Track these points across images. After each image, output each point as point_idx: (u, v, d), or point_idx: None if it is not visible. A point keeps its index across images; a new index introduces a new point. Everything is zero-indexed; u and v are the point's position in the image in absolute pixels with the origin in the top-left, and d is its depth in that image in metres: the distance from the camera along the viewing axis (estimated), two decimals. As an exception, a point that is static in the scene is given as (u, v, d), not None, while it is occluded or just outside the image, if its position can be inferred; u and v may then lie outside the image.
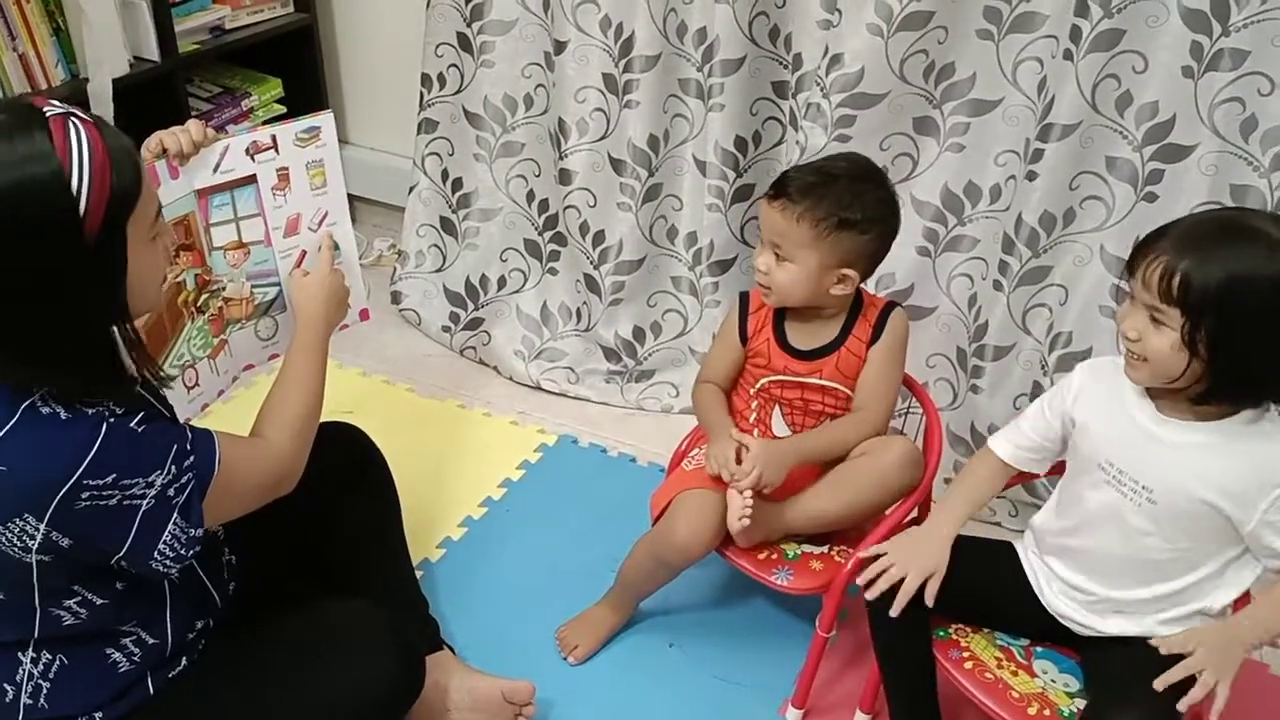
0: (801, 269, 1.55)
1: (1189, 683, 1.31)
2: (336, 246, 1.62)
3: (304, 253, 1.59)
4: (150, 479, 1.14)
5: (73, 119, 1.07)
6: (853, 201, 1.52)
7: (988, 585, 1.46)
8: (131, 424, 1.14)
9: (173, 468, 1.16)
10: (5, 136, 1.03)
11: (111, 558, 1.16)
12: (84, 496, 1.10)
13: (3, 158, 1.02)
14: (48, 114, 1.06)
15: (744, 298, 1.71)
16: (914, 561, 1.41)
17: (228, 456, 1.24)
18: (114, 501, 1.12)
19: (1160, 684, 1.26)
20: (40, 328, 1.09)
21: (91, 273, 1.09)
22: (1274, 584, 1.32)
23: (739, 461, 1.57)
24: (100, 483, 1.10)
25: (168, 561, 1.19)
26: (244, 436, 1.36)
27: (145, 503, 1.14)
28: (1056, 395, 1.44)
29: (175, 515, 1.18)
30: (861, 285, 1.64)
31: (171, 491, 1.17)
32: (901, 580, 1.41)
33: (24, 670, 1.24)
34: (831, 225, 1.52)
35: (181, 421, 1.38)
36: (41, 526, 1.10)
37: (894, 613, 1.40)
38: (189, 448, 1.19)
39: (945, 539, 1.44)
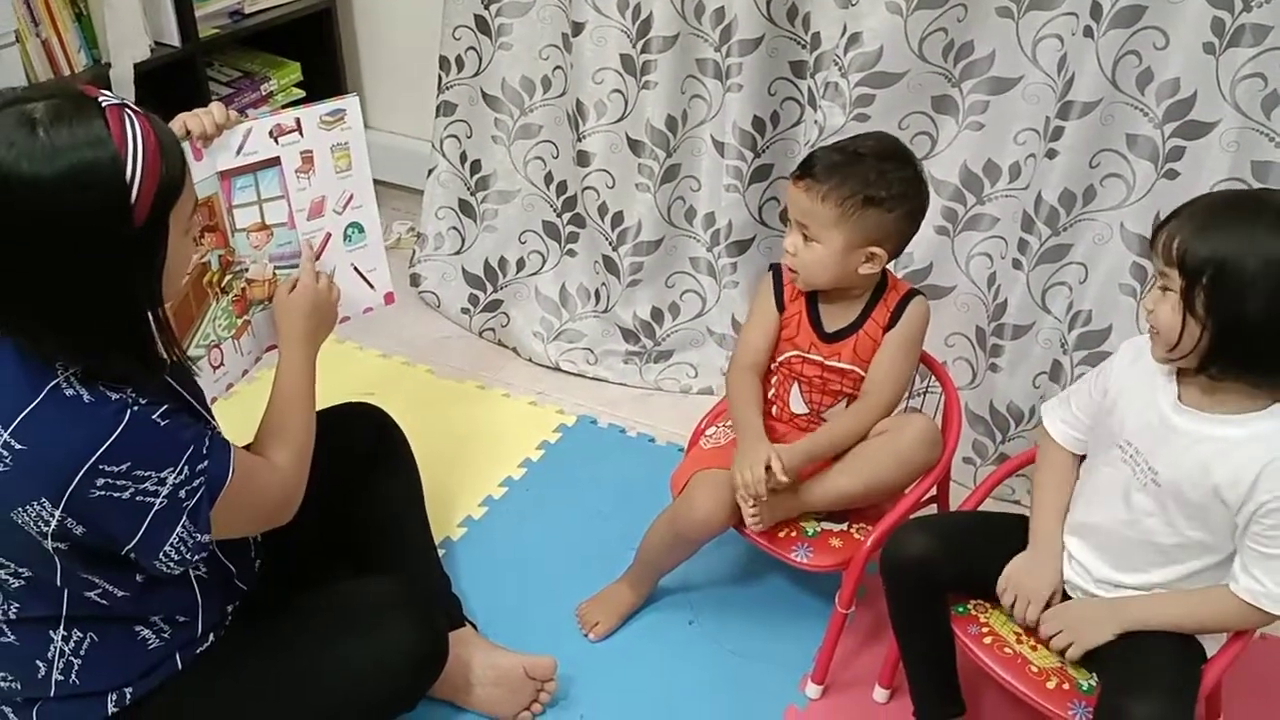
0: (828, 249, 1.55)
1: (1198, 667, 1.33)
2: (355, 231, 1.63)
3: (328, 235, 1.60)
4: (163, 475, 1.15)
5: (128, 109, 1.09)
6: (878, 179, 1.52)
7: (1006, 561, 1.46)
8: (154, 416, 1.15)
9: (185, 468, 1.17)
10: (65, 121, 1.05)
11: (123, 549, 1.18)
12: (99, 484, 1.11)
13: (63, 141, 1.04)
14: (103, 103, 1.08)
15: (776, 269, 1.71)
16: (1034, 594, 1.42)
17: (241, 470, 1.25)
18: (127, 495, 1.13)
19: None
20: (79, 308, 1.11)
21: (133, 259, 1.11)
22: (1168, 595, 1.35)
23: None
24: (116, 469, 1.11)
25: (171, 563, 1.20)
26: (259, 456, 1.37)
27: (158, 501, 1.15)
28: (1101, 373, 1.44)
29: (184, 518, 1.18)
30: (887, 268, 1.64)
31: (183, 494, 1.18)
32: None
33: (55, 647, 1.27)
34: (857, 203, 1.52)
35: (209, 400, 1.40)
36: (57, 512, 1.11)
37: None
38: (205, 451, 1.20)
39: (1054, 560, 1.43)
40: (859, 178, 1.52)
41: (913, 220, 1.58)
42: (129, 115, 1.09)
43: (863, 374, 1.65)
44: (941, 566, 1.45)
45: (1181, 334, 1.22)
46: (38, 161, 1.03)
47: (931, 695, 1.54)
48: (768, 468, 1.54)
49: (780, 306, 1.69)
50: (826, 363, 1.66)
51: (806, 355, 1.67)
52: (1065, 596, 1.43)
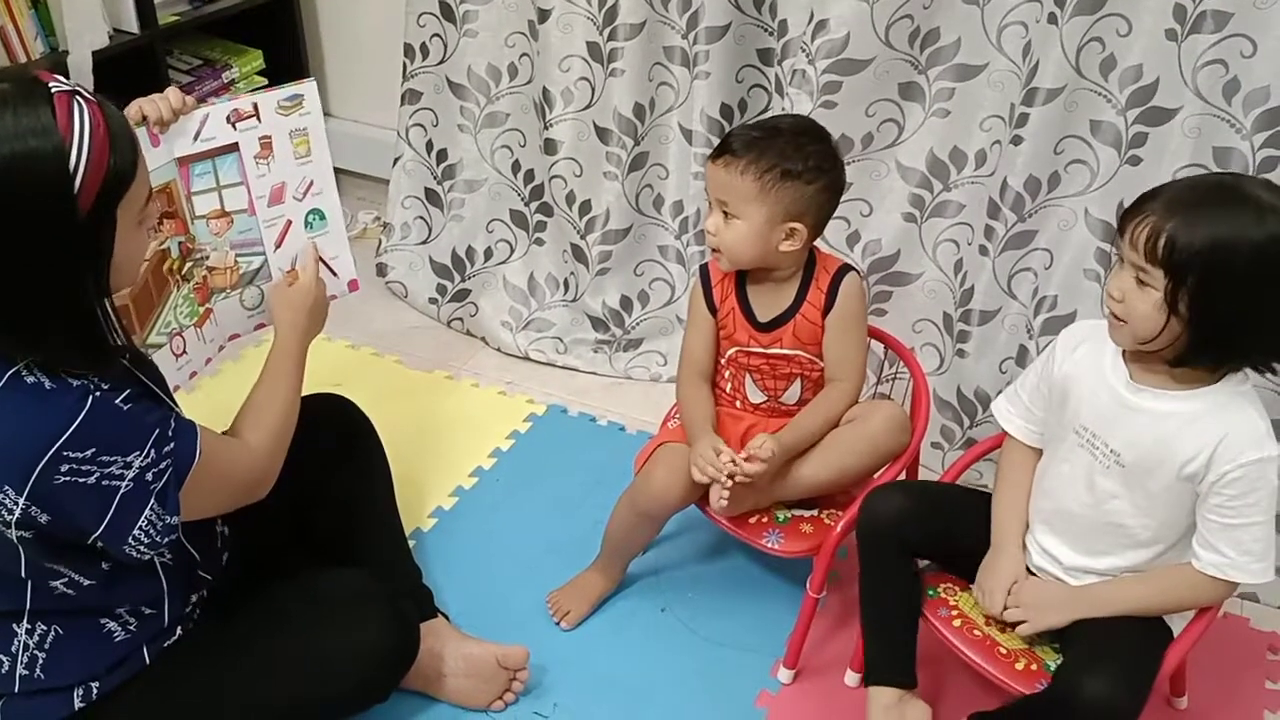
0: (749, 225, 1.55)
1: (1160, 649, 1.34)
2: (316, 218, 1.61)
3: (289, 222, 1.59)
4: (129, 459, 1.14)
5: (78, 96, 1.07)
6: (795, 153, 1.53)
7: (976, 536, 1.48)
8: (117, 400, 1.14)
9: (152, 451, 1.16)
10: (9, 107, 1.03)
11: (89, 537, 1.16)
12: (63, 470, 1.10)
13: (5, 129, 1.02)
14: (53, 89, 1.06)
15: (704, 270, 1.72)
16: (994, 587, 1.42)
17: (208, 450, 1.24)
18: (92, 480, 1.12)
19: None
20: (23, 299, 1.09)
21: (77, 250, 1.09)
22: (1130, 578, 1.37)
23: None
24: (80, 455, 1.10)
25: (142, 548, 1.19)
26: (226, 436, 1.36)
27: (124, 485, 1.14)
28: (1046, 365, 1.44)
29: (152, 501, 1.17)
30: (816, 246, 1.64)
31: (149, 476, 1.17)
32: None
33: (19, 641, 1.25)
34: (775, 177, 1.52)
35: (172, 388, 1.38)
36: (20, 500, 1.10)
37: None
38: (170, 434, 1.19)
39: (1013, 554, 1.44)
40: (776, 151, 1.53)
41: (831, 195, 1.59)
42: (79, 103, 1.07)
43: (808, 356, 1.66)
44: (916, 526, 1.47)
45: (1162, 331, 1.22)
46: None
47: (887, 659, 1.53)
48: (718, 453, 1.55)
49: (712, 308, 1.70)
50: (768, 351, 1.66)
51: (748, 349, 1.67)
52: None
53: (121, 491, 1.14)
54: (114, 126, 1.09)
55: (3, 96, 1.03)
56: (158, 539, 1.20)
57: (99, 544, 1.17)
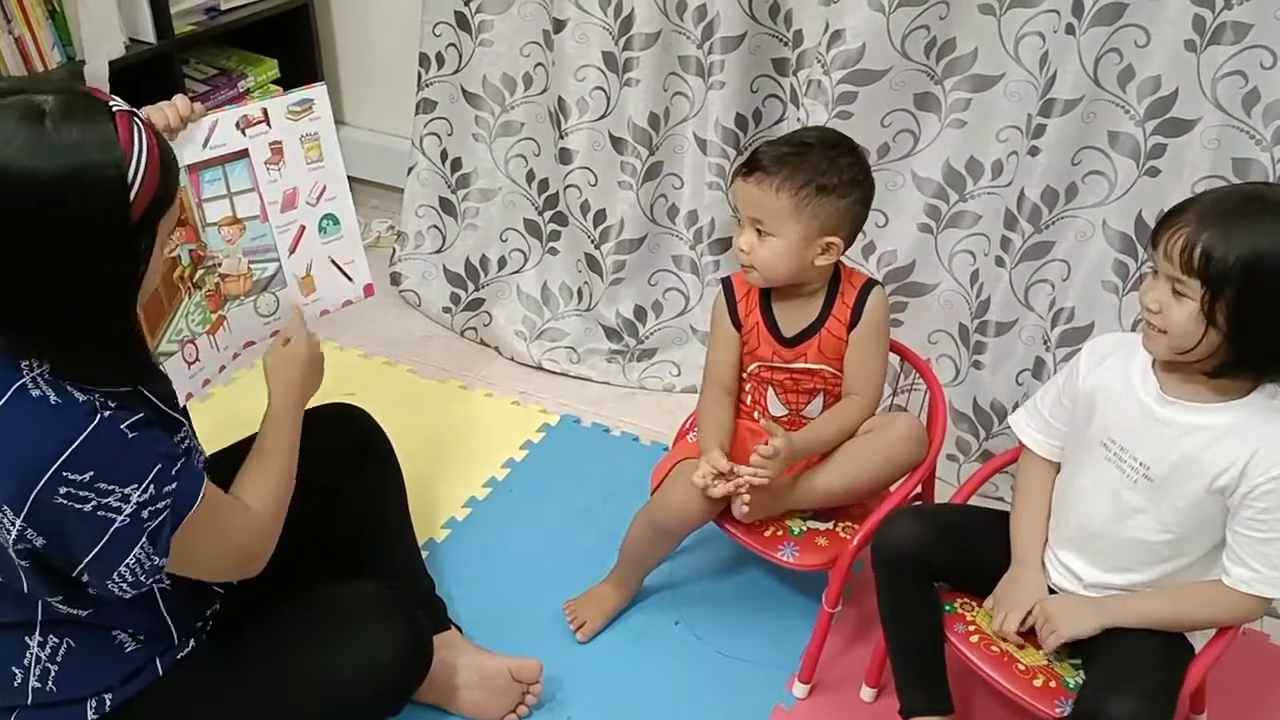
0: (784, 242, 1.54)
1: (1183, 666, 1.33)
2: (330, 223, 1.61)
3: (303, 228, 1.58)
4: (127, 491, 1.12)
5: (137, 117, 1.10)
6: (828, 167, 1.52)
7: (992, 556, 1.47)
8: (123, 425, 1.13)
9: (151, 487, 1.14)
10: (75, 120, 1.04)
11: (76, 566, 1.14)
12: (61, 491, 1.08)
13: (71, 139, 1.03)
14: (114, 108, 1.08)
15: (727, 284, 1.71)
16: (1014, 605, 1.41)
17: (211, 499, 1.22)
18: (88, 507, 1.10)
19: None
20: (61, 308, 1.09)
21: (121, 264, 1.11)
22: (1159, 592, 1.36)
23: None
24: (78, 478, 1.09)
25: (124, 585, 1.16)
26: (233, 497, 1.32)
27: (119, 519, 1.12)
28: (1069, 379, 1.43)
29: (144, 539, 1.14)
30: (841, 259, 1.63)
31: (145, 514, 1.14)
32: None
33: (31, 654, 1.25)
34: (811, 192, 1.51)
35: (184, 397, 1.38)
36: (18, 521, 1.09)
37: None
38: (174, 473, 1.17)
39: (1035, 574, 1.43)
40: (810, 167, 1.52)
41: (864, 207, 1.58)
42: (138, 124, 1.09)
43: (832, 371, 1.65)
44: (933, 552, 1.46)
45: (1200, 341, 1.22)
46: (40, 156, 1.02)
47: (919, 688, 1.52)
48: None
49: (736, 323, 1.69)
50: (791, 366, 1.66)
51: (770, 364, 1.67)
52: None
53: (116, 525, 1.12)
54: (165, 151, 1.12)
55: (68, 107, 1.04)
56: (142, 578, 1.16)
57: (83, 575, 1.15)
